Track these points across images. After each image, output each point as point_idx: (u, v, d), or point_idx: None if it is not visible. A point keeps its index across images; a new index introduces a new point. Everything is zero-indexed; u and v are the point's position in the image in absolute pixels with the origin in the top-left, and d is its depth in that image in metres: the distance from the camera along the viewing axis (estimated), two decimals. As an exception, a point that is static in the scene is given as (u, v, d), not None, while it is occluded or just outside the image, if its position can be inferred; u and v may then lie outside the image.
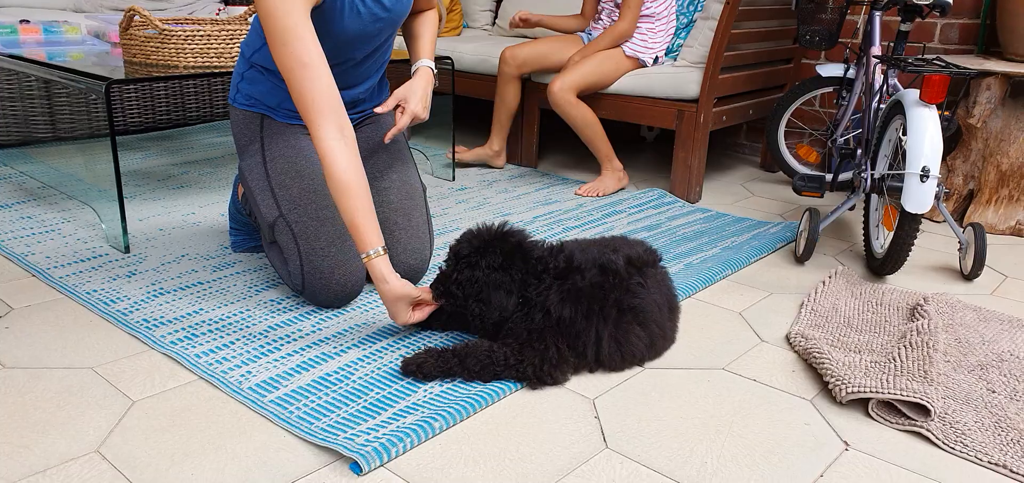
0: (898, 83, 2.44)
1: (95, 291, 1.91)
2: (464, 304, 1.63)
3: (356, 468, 1.26)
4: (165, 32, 2.25)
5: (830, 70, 2.85)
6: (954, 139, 2.78)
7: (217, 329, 1.73)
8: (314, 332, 1.74)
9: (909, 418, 1.46)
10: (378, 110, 1.94)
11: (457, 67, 3.45)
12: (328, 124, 1.56)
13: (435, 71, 1.98)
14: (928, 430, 1.42)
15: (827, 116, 3.36)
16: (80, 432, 1.35)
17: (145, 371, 1.56)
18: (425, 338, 1.74)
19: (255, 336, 1.71)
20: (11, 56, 2.38)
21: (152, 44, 2.30)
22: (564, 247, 1.68)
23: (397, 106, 1.93)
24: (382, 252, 1.61)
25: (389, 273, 1.61)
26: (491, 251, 1.62)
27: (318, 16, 1.65)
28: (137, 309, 1.82)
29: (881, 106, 2.38)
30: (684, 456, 1.35)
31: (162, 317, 1.78)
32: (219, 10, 3.03)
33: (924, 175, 1.97)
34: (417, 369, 1.54)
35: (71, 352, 1.62)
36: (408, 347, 1.69)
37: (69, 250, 2.17)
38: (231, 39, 2.33)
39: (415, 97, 1.92)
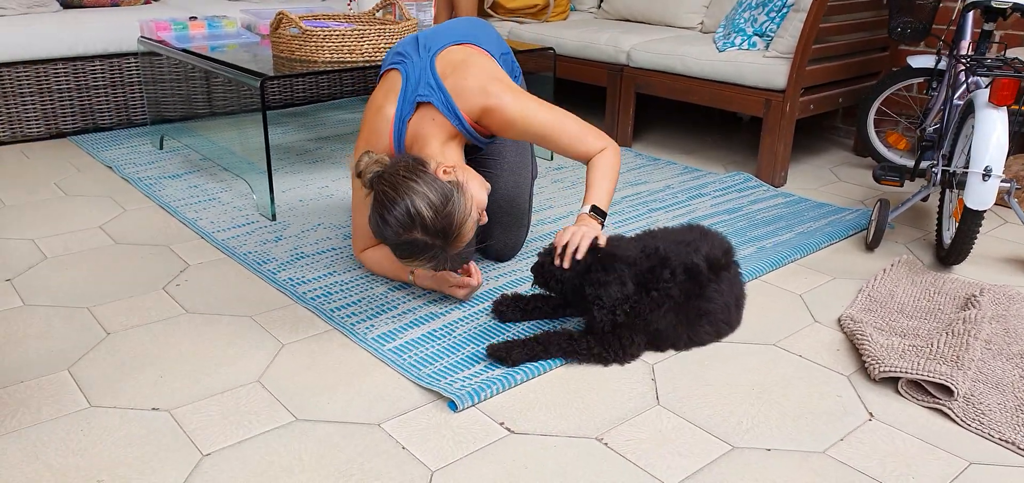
0: (979, 80, 2.53)
1: (250, 252, 2.33)
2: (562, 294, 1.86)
3: (453, 405, 1.60)
4: (306, 32, 2.63)
5: (921, 61, 2.93)
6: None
7: (346, 289, 2.11)
8: (424, 295, 2.08)
9: (936, 398, 1.64)
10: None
11: (560, 52, 3.71)
12: (364, 246, 2.19)
13: (598, 220, 1.90)
14: (949, 408, 1.61)
15: (920, 104, 3.41)
16: (245, 366, 1.74)
17: (291, 321, 1.95)
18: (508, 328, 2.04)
19: (376, 297, 2.07)
20: (183, 50, 2.84)
21: (296, 41, 2.69)
22: (651, 245, 1.82)
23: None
24: (414, 271, 2.06)
25: (422, 275, 2.07)
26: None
27: None
28: (284, 269, 2.22)
29: (960, 102, 2.48)
30: (724, 415, 1.60)
31: (303, 277, 2.17)
32: (350, 3, 3.41)
33: (986, 174, 2.09)
34: (507, 355, 1.74)
35: (235, 302, 2.04)
36: (501, 312, 2.00)
37: (228, 217, 2.62)
38: (361, 37, 2.69)
39: (565, 236, 1.85)
